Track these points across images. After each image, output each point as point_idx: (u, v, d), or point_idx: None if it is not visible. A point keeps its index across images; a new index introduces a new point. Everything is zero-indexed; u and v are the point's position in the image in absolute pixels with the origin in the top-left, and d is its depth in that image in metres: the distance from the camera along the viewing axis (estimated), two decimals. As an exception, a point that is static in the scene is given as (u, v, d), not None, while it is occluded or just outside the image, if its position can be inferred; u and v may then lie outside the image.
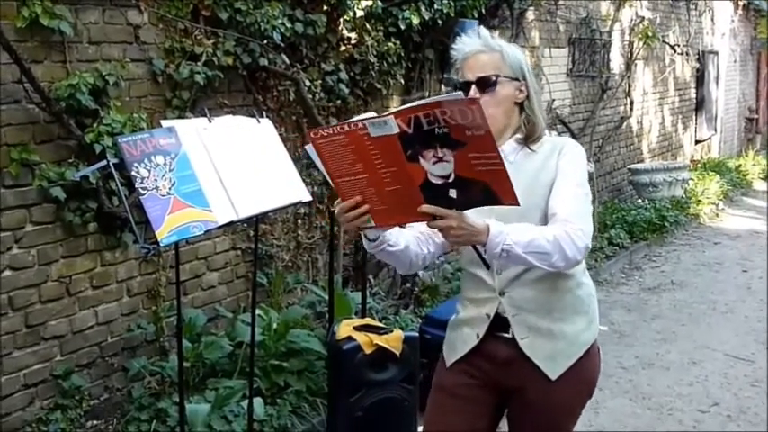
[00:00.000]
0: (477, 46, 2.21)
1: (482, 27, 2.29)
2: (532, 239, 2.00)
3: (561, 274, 2.17)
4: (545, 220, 2.14)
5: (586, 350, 2.26)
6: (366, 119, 1.80)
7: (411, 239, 2.19)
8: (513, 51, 2.23)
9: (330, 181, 1.95)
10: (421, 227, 2.16)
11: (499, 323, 2.25)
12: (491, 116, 2.06)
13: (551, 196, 2.14)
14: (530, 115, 2.22)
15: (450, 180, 1.82)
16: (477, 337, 2.28)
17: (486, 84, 2.17)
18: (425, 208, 1.86)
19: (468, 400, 2.32)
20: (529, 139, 2.22)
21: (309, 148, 1.93)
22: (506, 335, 2.24)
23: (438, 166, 1.81)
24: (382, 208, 1.93)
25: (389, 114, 1.78)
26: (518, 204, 1.85)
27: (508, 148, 2.22)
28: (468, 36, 2.24)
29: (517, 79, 2.21)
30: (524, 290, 2.21)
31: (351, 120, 1.86)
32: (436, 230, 1.98)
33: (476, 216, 1.95)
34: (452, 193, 1.85)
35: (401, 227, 2.13)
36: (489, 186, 1.83)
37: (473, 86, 2.18)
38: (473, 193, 1.84)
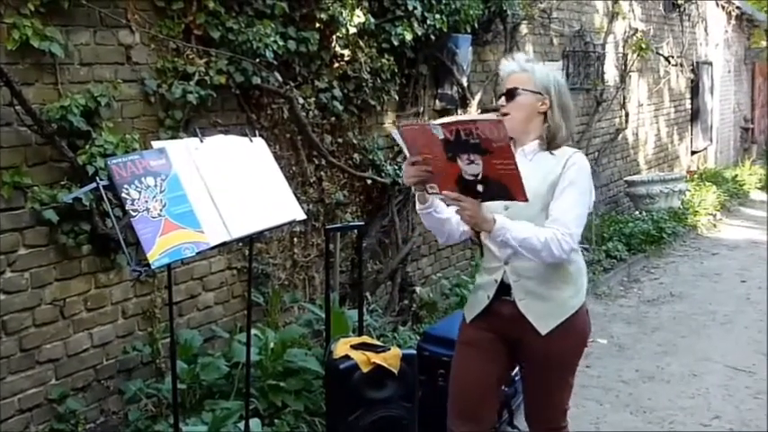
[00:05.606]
0: (512, 67, 2.85)
1: (520, 53, 3.01)
2: (527, 238, 2.59)
3: None
4: (545, 209, 2.69)
5: (574, 312, 2.80)
6: (430, 124, 2.50)
7: (453, 215, 2.77)
8: (541, 72, 2.81)
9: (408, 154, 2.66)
10: None
11: (504, 289, 2.82)
12: (512, 118, 2.74)
13: (554, 198, 2.69)
14: (550, 124, 2.78)
15: (479, 178, 2.45)
16: (488, 298, 2.86)
17: (511, 94, 2.80)
18: (447, 193, 2.55)
19: (484, 347, 2.90)
20: (550, 144, 2.78)
21: (395, 133, 2.68)
22: (509, 298, 2.80)
23: (470, 167, 2.44)
24: (436, 180, 2.60)
25: (440, 125, 2.43)
26: (527, 200, 2.44)
27: (529, 148, 2.80)
28: (506, 60, 2.90)
29: (540, 93, 2.77)
30: (524, 261, 2.74)
31: (423, 123, 2.60)
32: None
33: (491, 208, 2.58)
34: (479, 188, 2.48)
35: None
36: (506, 186, 2.43)
37: (503, 96, 2.82)
38: (494, 190, 2.46)
